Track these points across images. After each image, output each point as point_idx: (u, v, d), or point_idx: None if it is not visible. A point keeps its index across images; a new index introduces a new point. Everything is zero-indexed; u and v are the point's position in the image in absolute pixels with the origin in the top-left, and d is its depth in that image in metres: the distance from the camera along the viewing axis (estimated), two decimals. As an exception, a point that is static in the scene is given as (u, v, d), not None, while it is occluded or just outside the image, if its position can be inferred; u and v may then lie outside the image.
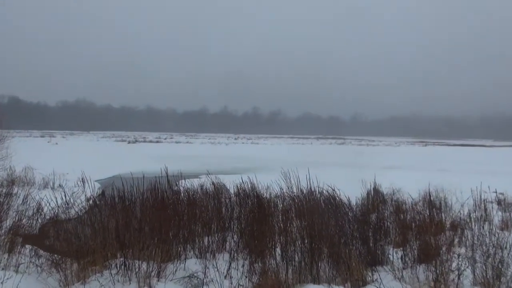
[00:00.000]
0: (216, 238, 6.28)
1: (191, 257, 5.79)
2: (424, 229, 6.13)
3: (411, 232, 6.21)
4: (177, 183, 7.86)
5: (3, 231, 5.80)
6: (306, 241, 5.39)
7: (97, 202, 6.31)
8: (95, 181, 12.06)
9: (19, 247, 5.71)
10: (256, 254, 5.51)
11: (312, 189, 7.25)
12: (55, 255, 5.26)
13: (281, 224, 6.00)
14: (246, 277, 5.09)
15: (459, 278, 4.74)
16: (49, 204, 6.39)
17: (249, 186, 7.49)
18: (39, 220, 6.75)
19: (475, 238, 5.41)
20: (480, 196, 8.38)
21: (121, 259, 5.05)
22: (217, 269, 5.14)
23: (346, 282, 5.00)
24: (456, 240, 6.32)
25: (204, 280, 4.94)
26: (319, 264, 5.21)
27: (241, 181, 7.67)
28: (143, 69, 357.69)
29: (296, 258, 5.28)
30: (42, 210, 6.96)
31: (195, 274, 5.04)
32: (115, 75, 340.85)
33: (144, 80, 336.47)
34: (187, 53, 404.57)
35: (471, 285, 4.85)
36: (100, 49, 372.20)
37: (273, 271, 5.05)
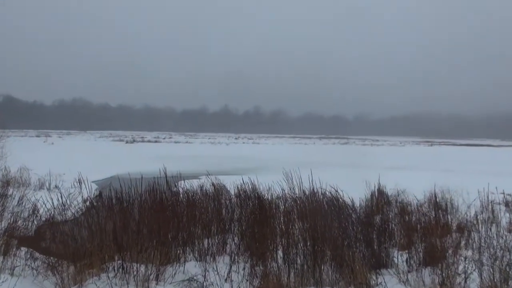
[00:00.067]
0: (216, 240, 6.19)
1: (190, 260, 5.70)
2: (430, 231, 6.00)
3: (417, 234, 6.09)
4: (176, 184, 7.78)
5: (-3, 233, 5.71)
6: (308, 244, 5.29)
7: (94, 204, 6.28)
8: (92, 182, 11.93)
9: (14, 249, 5.61)
10: (257, 256, 5.41)
11: (315, 190, 7.19)
12: (51, 258, 5.21)
13: (283, 226, 5.91)
14: (247, 280, 5.01)
15: (465, 282, 4.67)
16: (45, 205, 6.35)
17: (250, 187, 7.38)
18: (35, 222, 6.67)
19: (482, 240, 5.36)
20: (487, 197, 8.25)
21: (118, 261, 4.99)
22: (217, 272, 5.06)
23: (349, 285, 4.90)
24: (463, 242, 6.22)
25: (204, 284, 4.85)
26: (322, 267, 5.12)
27: (241, 182, 7.57)
28: (143, 69, 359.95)
29: (298, 261, 5.18)
30: (38, 212, 6.88)
31: (195, 277, 4.96)
32: (115, 75, 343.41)
33: (144, 80, 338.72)
34: (187, 53, 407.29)
35: (478, 289, 4.74)
36: (100, 49, 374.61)
37: (274, 274, 4.97)
